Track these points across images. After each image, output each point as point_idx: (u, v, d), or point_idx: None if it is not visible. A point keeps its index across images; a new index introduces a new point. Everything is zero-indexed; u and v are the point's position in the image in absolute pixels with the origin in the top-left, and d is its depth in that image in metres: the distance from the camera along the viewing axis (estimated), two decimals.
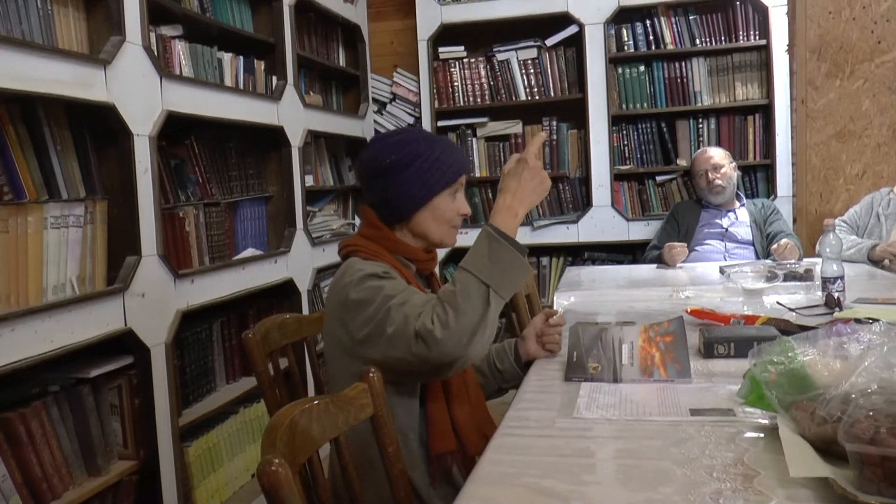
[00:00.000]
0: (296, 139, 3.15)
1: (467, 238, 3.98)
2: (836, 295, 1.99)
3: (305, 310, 3.12)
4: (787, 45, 3.71)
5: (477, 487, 1.02)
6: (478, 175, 4.12)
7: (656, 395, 1.36)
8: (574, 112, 3.99)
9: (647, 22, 3.88)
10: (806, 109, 3.71)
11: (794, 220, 3.72)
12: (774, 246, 2.97)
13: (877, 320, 1.30)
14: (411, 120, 4.21)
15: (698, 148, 3.76)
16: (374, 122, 4.20)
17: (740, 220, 3.42)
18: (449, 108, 4.12)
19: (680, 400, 1.32)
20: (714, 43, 3.82)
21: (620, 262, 3.92)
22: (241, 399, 2.67)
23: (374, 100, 4.22)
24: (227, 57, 2.77)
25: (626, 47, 3.92)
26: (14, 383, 1.82)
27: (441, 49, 4.08)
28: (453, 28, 4.02)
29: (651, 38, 3.88)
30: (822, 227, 2.16)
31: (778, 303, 2.16)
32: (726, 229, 3.39)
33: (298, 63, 3.24)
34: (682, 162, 3.89)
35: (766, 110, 3.81)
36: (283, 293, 3.06)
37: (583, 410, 1.30)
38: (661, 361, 1.46)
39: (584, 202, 4.00)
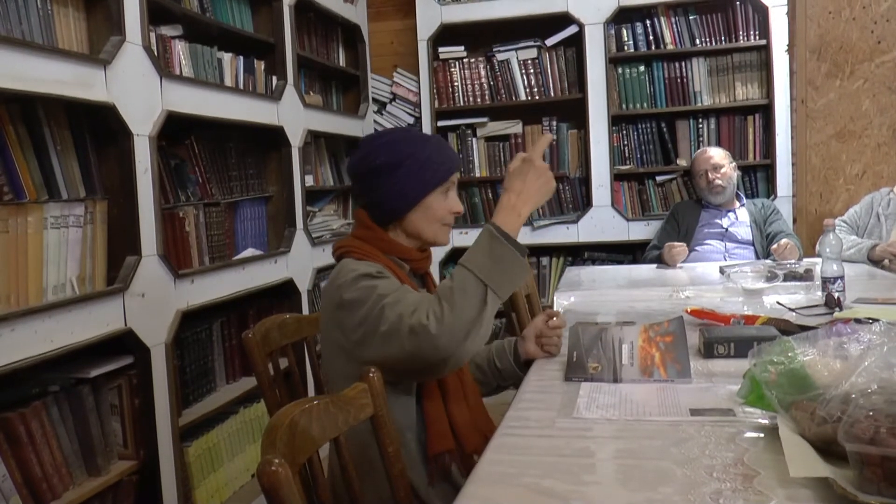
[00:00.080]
0: (296, 139, 3.15)
1: (467, 238, 4.01)
2: (836, 295, 1.99)
3: (305, 310, 3.12)
4: (787, 45, 3.71)
5: (477, 487, 1.02)
6: (478, 175, 4.12)
7: (656, 395, 1.36)
8: (574, 112, 3.99)
9: (647, 22, 3.88)
10: (806, 109, 3.71)
11: (794, 220, 3.72)
12: (774, 246, 2.97)
13: (877, 320, 1.30)
14: (411, 120, 4.21)
15: (698, 148, 3.76)
16: (374, 122, 4.20)
17: (740, 220, 3.42)
18: (449, 108, 4.12)
19: (680, 400, 1.32)
20: (714, 43, 3.82)
21: (620, 262, 3.93)
22: (241, 399, 2.67)
23: (374, 100, 4.22)
24: (227, 57, 2.77)
25: (626, 47, 3.92)
26: (14, 383, 1.82)
27: (441, 49, 4.08)
28: (453, 28, 4.02)
29: (651, 38, 3.88)
30: (822, 227, 2.16)
31: (778, 303, 2.16)
32: (726, 229, 3.39)
33: (298, 63, 3.24)
34: (682, 162, 3.89)
35: (766, 110, 3.81)
36: (283, 293, 3.06)
37: (583, 410, 1.30)
38: (661, 361, 1.46)
39: (584, 202, 4.00)
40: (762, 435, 1.12)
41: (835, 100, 3.68)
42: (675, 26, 3.85)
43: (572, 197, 4.04)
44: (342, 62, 4.02)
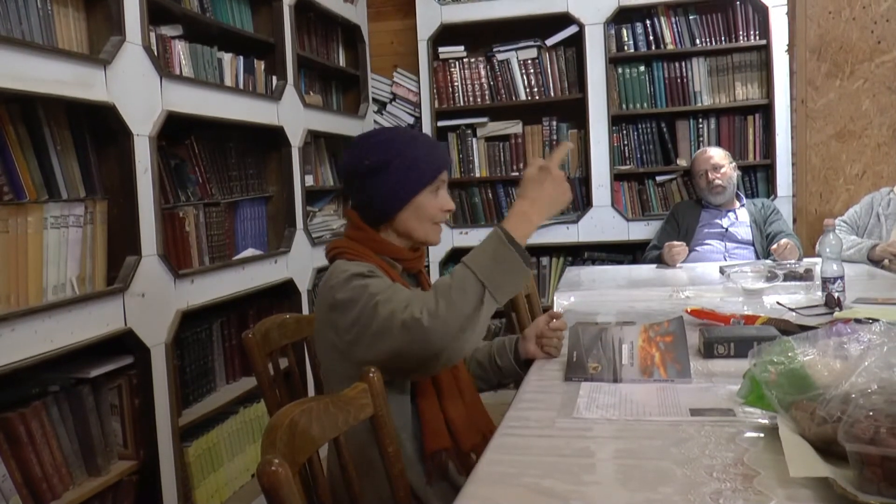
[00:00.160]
0: (296, 139, 3.15)
1: (467, 238, 4.02)
2: (836, 295, 1.99)
3: (305, 310, 3.12)
4: (787, 45, 3.71)
5: (477, 487, 1.02)
6: (478, 175, 4.12)
7: (656, 395, 1.36)
8: (574, 112, 3.99)
9: (647, 22, 3.88)
10: (806, 109, 3.71)
11: (794, 220, 3.72)
12: (774, 246, 2.97)
13: (877, 320, 1.30)
14: (411, 120, 4.21)
15: (698, 148, 3.76)
16: (375, 122, 4.20)
17: (740, 220, 3.42)
18: (449, 108, 4.12)
19: (680, 400, 1.32)
20: (714, 43, 3.82)
21: (620, 262, 3.93)
22: (241, 399, 2.67)
23: (374, 100, 4.22)
24: (227, 57, 2.77)
25: (626, 47, 3.92)
26: (14, 383, 1.83)
27: (441, 49, 4.08)
28: (453, 28, 4.02)
29: (651, 38, 3.88)
30: (822, 227, 2.16)
31: (778, 303, 2.16)
32: (726, 229, 3.39)
33: (298, 63, 3.24)
34: (682, 162, 3.89)
35: (766, 110, 3.81)
36: (283, 293, 3.06)
37: (583, 410, 1.30)
38: (661, 361, 1.46)
39: (584, 202, 4.00)
40: (762, 435, 1.12)
41: (835, 100, 3.68)
42: (675, 26, 3.85)
43: (572, 197, 4.03)
44: (342, 62, 4.02)
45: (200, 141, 2.65)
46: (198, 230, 2.57)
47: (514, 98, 4.04)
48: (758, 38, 3.78)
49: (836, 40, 3.65)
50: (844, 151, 3.68)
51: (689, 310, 1.94)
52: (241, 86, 2.85)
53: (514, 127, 4.09)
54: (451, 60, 4.10)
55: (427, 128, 4.06)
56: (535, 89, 4.02)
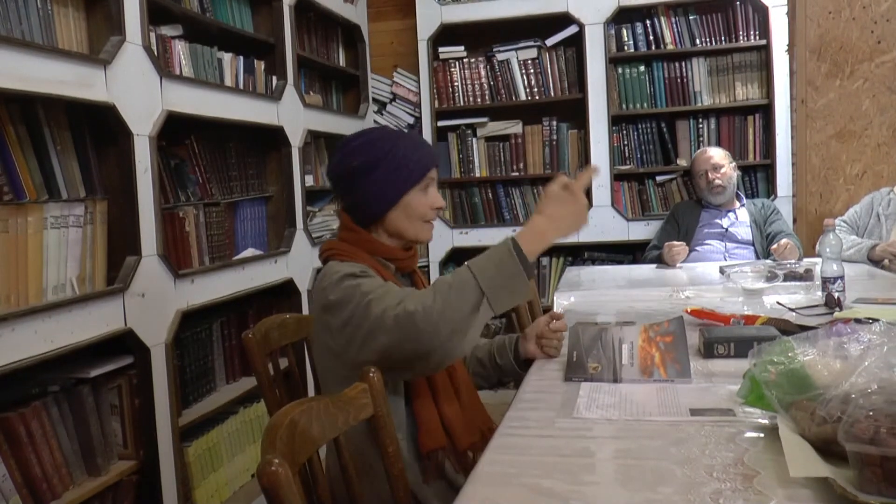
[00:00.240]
0: (296, 139, 3.15)
1: (467, 238, 4.02)
2: (836, 295, 1.99)
3: (305, 310, 3.12)
4: (787, 45, 3.71)
5: (476, 487, 1.02)
6: (477, 175, 4.12)
7: (656, 395, 1.36)
8: (574, 112, 3.99)
9: (647, 22, 3.88)
10: (806, 109, 3.71)
11: (794, 220, 3.72)
12: (774, 246, 2.97)
13: (877, 320, 1.30)
14: (411, 120, 4.21)
15: (698, 148, 3.76)
16: (375, 122, 4.20)
17: (740, 220, 3.42)
18: (449, 108, 4.12)
19: (680, 400, 1.32)
20: (714, 43, 3.82)
21: (620, 262, 3.92)
22: (241, 399, 2.67)
23: (374, 100, 4.22)
24: (227, 57, 2.77)
25: (626, 47, 3.92)
26: (14, 383, 1.82)
27: (441, 49, 4.08)
28: (453, 28, 4.02)
29: (651, 38, 3.88)
30: (822, 227, 2.16)
31: (778, 303, 2.16)
32: (726, 229, 3.39)
33: (298, 63, 3.24)
34: (682, 162, 3.89)
35: (766, 110, 3.81)
36: (283, 293, 3.06)
37: (583, 410, 1.30)
38: (661, 361, 1.46)
39: None
40: (762, 435, 1.12)
41: (835, 100, 3.68)
42: (675, 26, 3.85)
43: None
44: (342, 62, 4.02)
45: (200, 141, 2.65)
46: (198, 230, 2.57)
47: (514, 98, 4.04)
48: (758, 38, 3.78)
49: (836, 40, 3.65)
50: (844, 151, 3.68)
51: (689, 310, 1.94)
52: (241, 86, 2.85)
53: (514, 127, 4.09)
54: (451, 60, 4.10)
55: (427, 128, 4.07)
56: (535, 89, 4.02)
